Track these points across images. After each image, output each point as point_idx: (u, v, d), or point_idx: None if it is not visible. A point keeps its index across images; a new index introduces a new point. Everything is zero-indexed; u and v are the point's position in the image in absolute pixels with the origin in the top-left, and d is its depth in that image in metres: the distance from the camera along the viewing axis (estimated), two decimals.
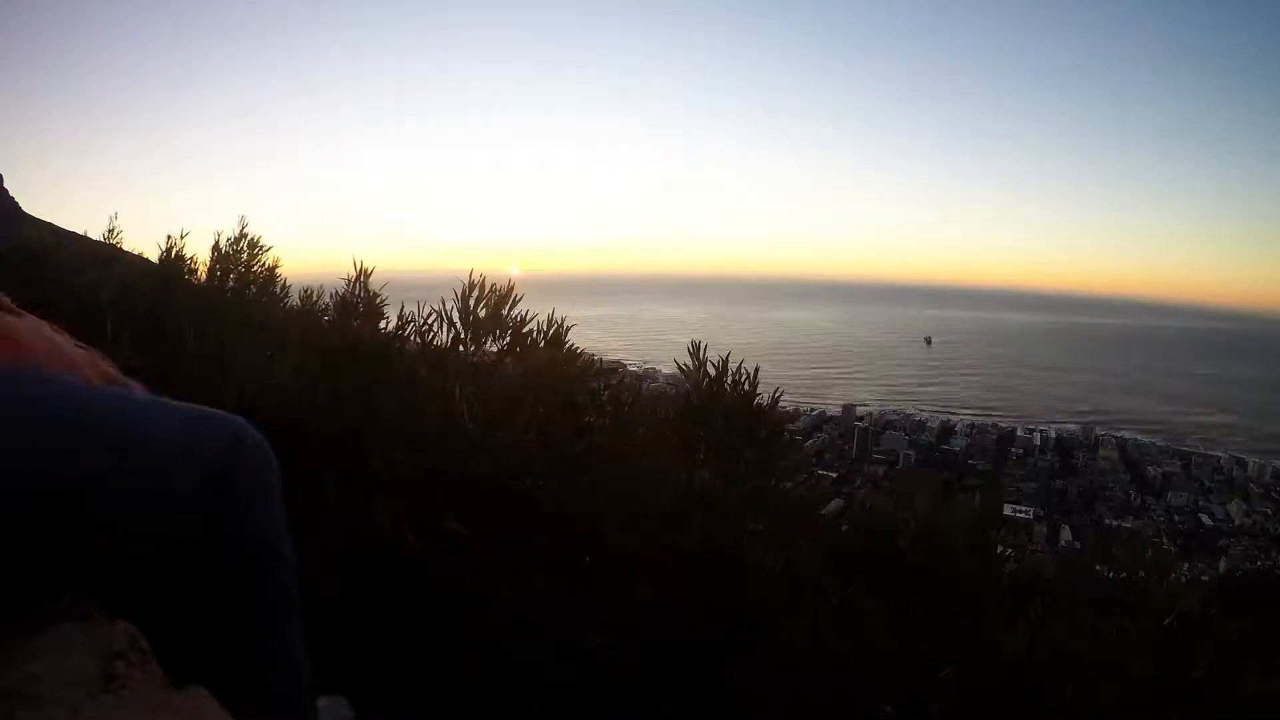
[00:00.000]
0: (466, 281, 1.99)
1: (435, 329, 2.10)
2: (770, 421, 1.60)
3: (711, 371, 1.62)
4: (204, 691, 0.70)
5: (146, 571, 0.72)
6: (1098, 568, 1.80)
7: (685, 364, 1.65)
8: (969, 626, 1.54)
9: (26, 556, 0.64)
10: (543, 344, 1.91)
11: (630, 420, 1.72)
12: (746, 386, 1.60)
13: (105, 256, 3.65)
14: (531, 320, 1.97)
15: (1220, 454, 43.34)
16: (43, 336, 0.78)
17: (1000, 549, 1.72)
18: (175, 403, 0.79)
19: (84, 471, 0.66)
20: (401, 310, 2.24)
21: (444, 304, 2.04)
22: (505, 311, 1.96)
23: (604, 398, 1.79)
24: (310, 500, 1.70)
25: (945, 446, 43.85)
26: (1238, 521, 34.08)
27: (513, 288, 1.97)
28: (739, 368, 1.63)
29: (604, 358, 2.08)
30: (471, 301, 1.98)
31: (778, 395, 1.70)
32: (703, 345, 1.65)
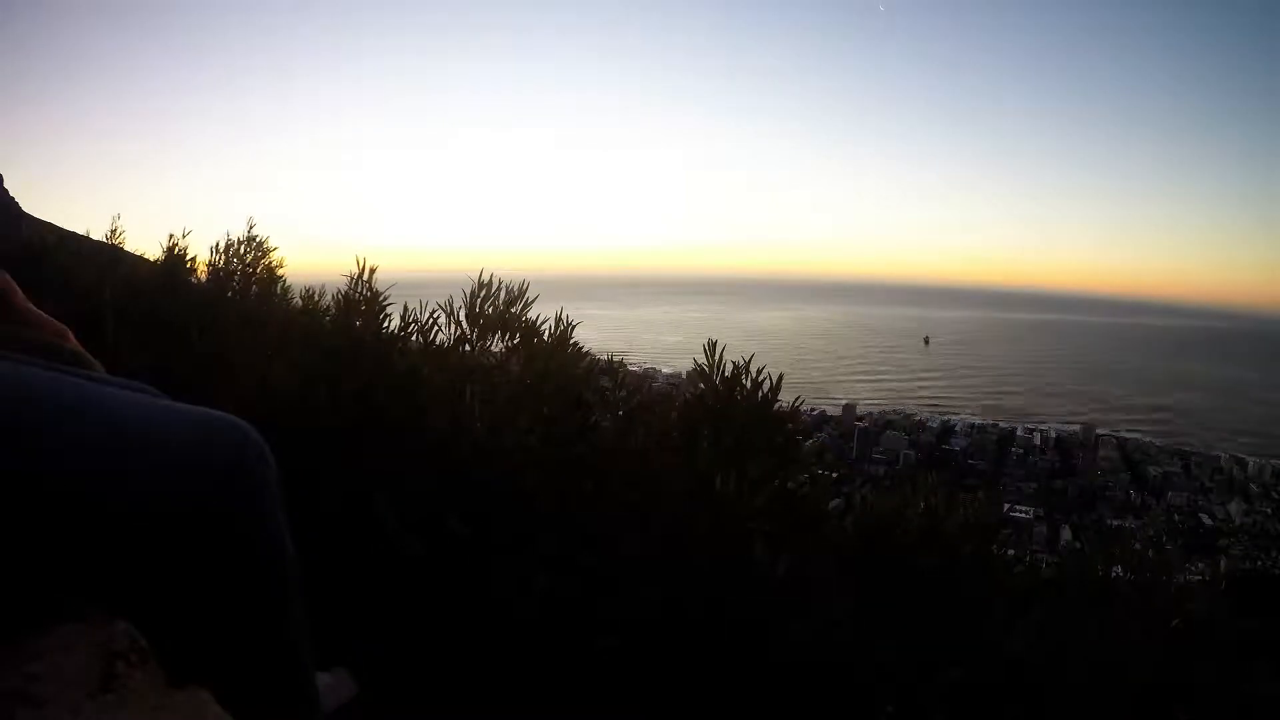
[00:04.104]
0: (476, 281, 1.98)
1: (439, 328, 2.10)
2: (789, 429, 1.59)
3: (729, 372, 1.61)
4: (204, 691, 0.70)
5: (154, 571, 0.72)
6: (1100, 568, 1.80)
7: (701, 364, 1.64)
8: (972, 627, 1.53)
9: (40, 556, 0.64)
10: (550, 343, 1.90)
11: (638, 420, 1.72)
12: (766, 389, 1.59)
13: (107, 257, 3.64)
14: (539, 319, 1.96)
15: (1220, 454, 43.32)
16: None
17: (1003, 549, 1.71)
18: (181, 404, 0.79)
19: (98, 472, 0.66)
20: (404, 310, 2.24)
21: (450, 303, 2.04)
22: (516, 310, 1.96)
23: (619, 395, 1.78)
24: (312, 501, 1.69)
25: (945, 446, 43.81)
26: (1238, 521, 34.06)
27: (526, 287, 1.97)
28: (761, 370, 1.61)
29: (607, 357, 2.07)
30: (479, 301, 1.98)
31: (799, 402, 1.70)
32: (720, 346, 1.64)
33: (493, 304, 2.00)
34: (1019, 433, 47.25)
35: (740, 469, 1.56)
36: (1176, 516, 35.41)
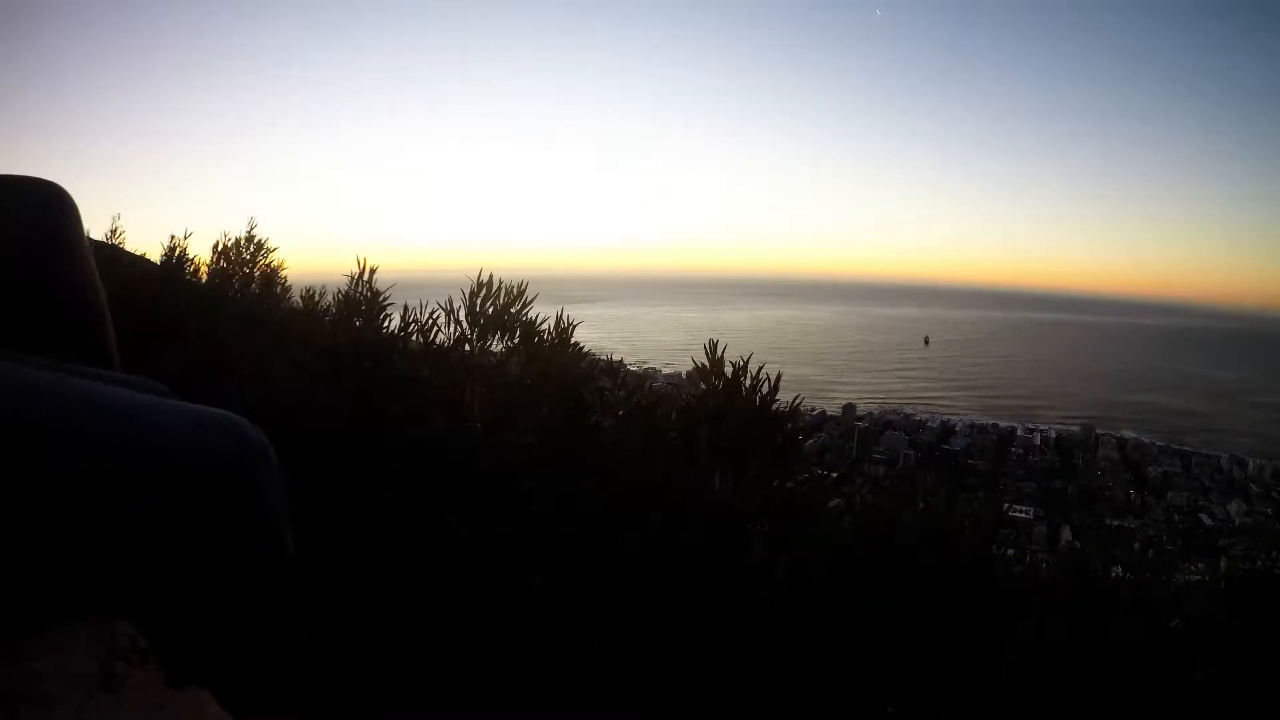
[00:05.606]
0: (475, 280, 1.99)
1: (439, 328, 2.10)
2: (788, 430, 1.59)
3: (728, 372, 1.61)
4: (204, 691, 0.70)
5: (155, 569, 0.72)
6: (1100, 568, 1.80)
7: (701, 363, 1.64)
8: (972, 627, 1.53)
9: (41, 554, 0.65)
10: (551, 343, 1.91)
11: (637, 420, 1.72)
12: (765, 390, 1.59)
13: (106, 256, 3.64)
14: (539, 319, 1.97)
15: (1220, 454, 43.27)
16: None
17: (1003, 549, 1.72)
18: (182, 402, 0.79)
19: (100, 470, 0.66)
20: (405, 310, 2.24)
21: (450, 302, 2.04)
22: (516, 310, 1.96)
23: (619, 395, 1.79)
24: (310, 500, 1.69)
25: (945, 446, 43.77)
26: (1238, 521, 33.99)
27: (525, 287, 1.97)
28: (759, 370, 1.61)
29: (607, 357, 2.08)
30: (479, 300, 1.98)
31: (798, 402, 1.70)
32: (721, 346, 1.64)
33: (493, 304, 2.00)
34: (1019, 433, 47.22)
35: (739, 469, 1.56)
36: (1176, 516, 35.37)
